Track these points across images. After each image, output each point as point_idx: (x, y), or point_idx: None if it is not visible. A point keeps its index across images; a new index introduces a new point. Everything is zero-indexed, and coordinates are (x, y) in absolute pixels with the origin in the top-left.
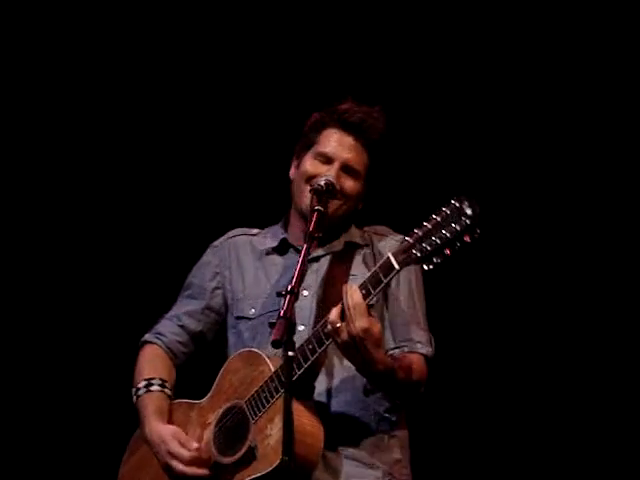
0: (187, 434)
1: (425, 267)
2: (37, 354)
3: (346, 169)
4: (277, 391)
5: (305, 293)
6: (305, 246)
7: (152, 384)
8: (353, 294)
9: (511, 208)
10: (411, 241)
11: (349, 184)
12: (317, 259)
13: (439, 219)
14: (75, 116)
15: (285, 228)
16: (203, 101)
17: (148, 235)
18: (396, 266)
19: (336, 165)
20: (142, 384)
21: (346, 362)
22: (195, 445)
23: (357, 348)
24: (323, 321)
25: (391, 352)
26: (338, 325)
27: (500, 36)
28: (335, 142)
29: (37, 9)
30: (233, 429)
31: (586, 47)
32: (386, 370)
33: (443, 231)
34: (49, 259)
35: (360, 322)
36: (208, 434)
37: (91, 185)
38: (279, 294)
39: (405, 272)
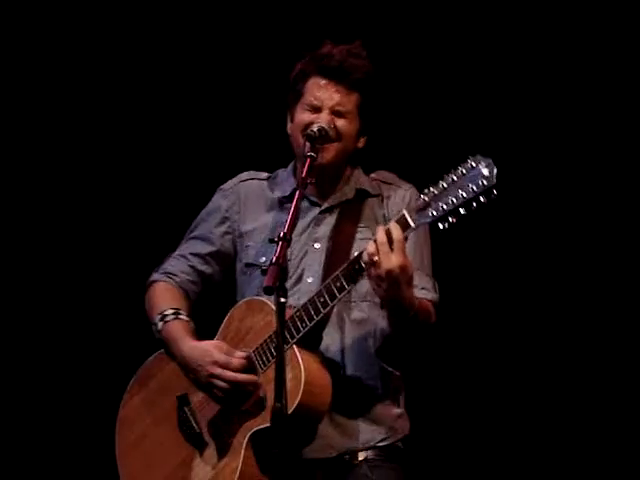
0: (188, 379)
1: (440, 226)
2: (37, 350)
3: (336, 113)
4: (285, 342)
5: (317, 246)
6: (298, 192)
7: (180, 314)
8: (394, 230)
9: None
10: (427, 199)
11: (341, 124)
12: (330, 210)
13: (455, 178)
14: (71, 111)
15: (295, 175)
16: (199, 53)
17: (153, 186)
18: (412, 224)
19: (325, 112)
20: (170, 311)
21: (354, 317)
22: (240, 353)
23: (391, 283)
24: (335, 274)
25: None
26: (376, 258)
27: None
28: (319, 91)
29: (37, 9)
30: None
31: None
32: (411, 308)
33: (460, 191)
34: (48, 242)
35: (399, 257)
36: None
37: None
38: (271, 240)
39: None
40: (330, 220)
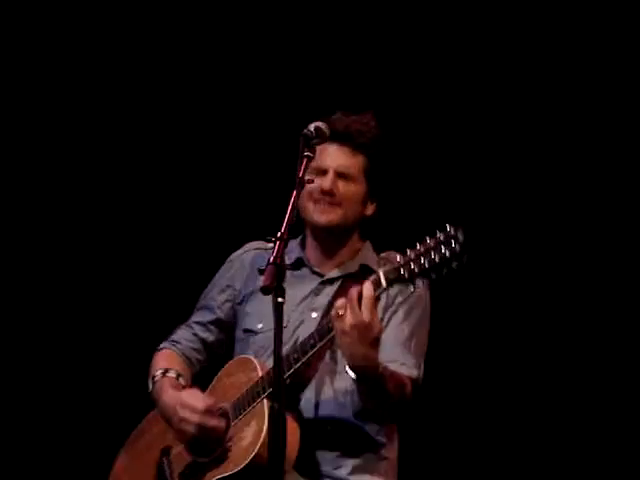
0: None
1: (411, 289)
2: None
3: (340, 175)
4: (259, 395)
5: (314, 315)
6: (295, 192)
7: (169, 372)
8: (365, 288)
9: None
10: (402, 261)
11: (345, 188)
12: (331, 281)
13: (432, 243)
14: (81, 123)
15: (302, 246)
16: (208, 111)
17: (167, 247)
18: (384, 283)
19: (330, 175)
20: (159, 372)
21: (337, 383)
22: (209, 400)
23: (354, 339)
24: (310, 333)
25: None
26: (341, 312)
27: (497, 43)
28: (325, 154)
29: (37, 9)
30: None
31: (585, 48)
32: (377, 373)
33: (432, 254)
34: (65, 274)
35: (365, 314)
36: None
37: (104, 194)
38: (268, 240)
39: (413, 297)
40: (330, 291)
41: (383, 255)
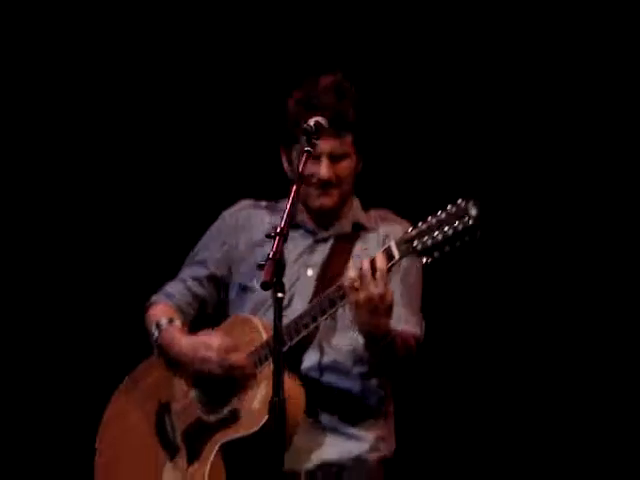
0: (173, 388)
1: (424, 260)
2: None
3: (334, 157)
4: (266, 359)
5: (309, 273)
6: (295, 186)
7: (174, 321)
8: (378, 259)
9: (514, 207)
10: (414, 233)
11: (341, 169)
12: (325, 240)
13: (443, 216)
14: (71, 110)
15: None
16: (199, 80)
17: (155, 211)
18: (396, 255)
19: (324, 160)
20: (164, 320)
21: (336, 343)
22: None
23: (368, 310)
24: (318, 298)
25: None
26: (357, 284)
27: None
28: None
29: (37, 9)
30: (219, 389)
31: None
32: (388, 336)
33: (446, 228)
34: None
35: (380, 286)
36: (193, 391)
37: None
38: (268, 236)
39: (408, 264)
40: (324, 249)
41: (372, 212)
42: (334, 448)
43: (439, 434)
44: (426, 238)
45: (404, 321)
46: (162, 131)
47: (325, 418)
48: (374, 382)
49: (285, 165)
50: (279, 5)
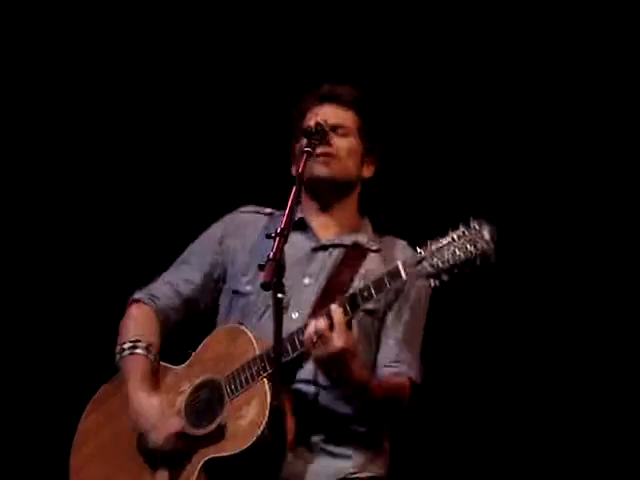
0: (160, 398)
1: (432, 283)
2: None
3: (334, 129)
4: (259, 374)
5: (306, 281)
6: (295, 188)
7: (137, 347)
8: (334, 313)
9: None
10: (424, 254)
11: (340, 141)
12: (325, 248)
13: (455, 237)
14: (70, 115)
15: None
16: (201, 89)
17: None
18: (404, 276)
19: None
20: (127, 345)
21: None
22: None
23: (333, 363)
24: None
25: (379, 372)
26: (315, 340)
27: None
28: (316, 114)
29: (37, 9)
30: (206, 403)
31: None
32: (360, 385)
33: (457, 251)
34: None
35: (339, 341)
36: (180, 402)
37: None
38: (268, 236)
39: (415, 296)
40: (323, 258)
41: (385, 237)
42: (322, 469)
43: (434, 455)
44: (436, 260)
45: (407, 363)
46: (161, 130)
47: (314, 437)
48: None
49: (293, 168)
50: (285, 9)
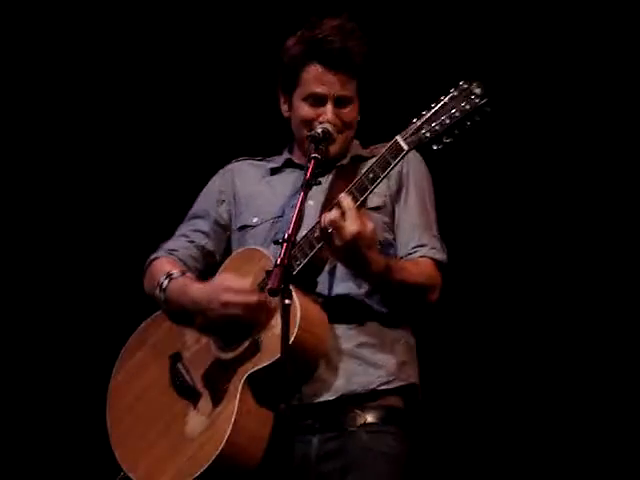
0: (183, 337)
1: (434, 147)
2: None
3: (338, 100)
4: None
5: (311, 202)
6: (302, 192)
7: (174, 274)
8: (343, 200)
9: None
10: (420, 122)
11: (346, 113)
12: (324, 174)
13: (447, 100)
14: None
15: (290, 152)
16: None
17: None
18: (404, 146)
19: (329, 104)
20: (176, 271)
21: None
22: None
23: (350, 251)
24: (315, 224)
25: (403, 258)
26: (330, 230)
27: None
28: (321, 80)
29: (37, 9)
30: (235, 327)
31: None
32: (380, 270)
33: (452, 111)
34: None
35: (352, 227)
36: (205, 336)
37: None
38: (276, 242)
39: (415, 176)
40: (324, 181)
41: (372, 146)
42: (356, 377)
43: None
44: (434, 124)
45: (429, 247)
46: (139, 96)
47: (342, 346)
48: (387, 307)
49: (284, 107)
50: None
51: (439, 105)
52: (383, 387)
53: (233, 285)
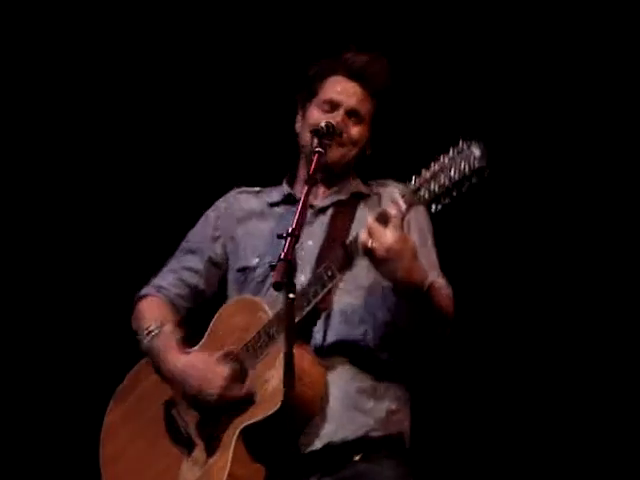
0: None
1: (432, 208)
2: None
3: (351, 114)
4: (278, 334)
5: (310, 242)
6: (307, 188)
7: (164, 326)
8: (388, 209)
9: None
10: (419, 182)
11: (355, 129)
12: (324, 210)
13: (447, 160)
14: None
15: (290, 184)
16: (203, 58)
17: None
18: (403, 207)
19: (341, 111)
20: (153, 326)
21: (343, 307)
22: (226, 368)
23: (393, 259)
24: (326, 264)
25: None
26: (370, 243)
27: None
28: (340, 88)
29: (37, 9)
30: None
31: None
32: (423, 279)
33: (451, 172)
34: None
35: (394, 233)
36: None
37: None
38: (280, 236)
39: (415, 219)
40: (323, 219)
41: (371, 182)
42: (346, 424)
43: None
44: (432, 184)
45: (432, 279)
46: (155, 123)
47: (333, 389)
48: (384, 353)
49: (298, 124)
50: None
51: (438, 165)
52: (373, 433)
53: (218, 374)
